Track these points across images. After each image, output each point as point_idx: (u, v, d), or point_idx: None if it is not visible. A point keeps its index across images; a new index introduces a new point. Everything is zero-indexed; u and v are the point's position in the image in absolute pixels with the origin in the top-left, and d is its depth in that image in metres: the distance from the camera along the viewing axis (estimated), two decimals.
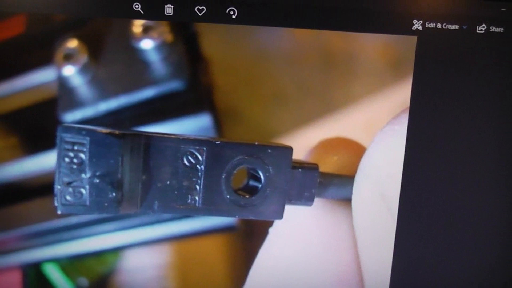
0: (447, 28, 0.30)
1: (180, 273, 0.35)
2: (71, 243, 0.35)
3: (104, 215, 0.33)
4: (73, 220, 0.34)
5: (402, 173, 0.31)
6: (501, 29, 0.30)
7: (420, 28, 0.30)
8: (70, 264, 0.36)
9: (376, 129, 0.30)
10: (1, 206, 0.35)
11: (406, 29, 0.30)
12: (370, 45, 0.30)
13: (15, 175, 0.34)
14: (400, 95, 0.30)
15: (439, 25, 0.30)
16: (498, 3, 0.30)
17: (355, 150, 0.31)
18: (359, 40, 0.30)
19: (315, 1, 0.29)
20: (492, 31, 0.30)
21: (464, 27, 0.30)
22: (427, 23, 0.30)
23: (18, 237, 0.36)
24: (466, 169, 0.31)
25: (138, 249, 0.35)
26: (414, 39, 0.30)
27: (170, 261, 0.35)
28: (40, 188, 0.34)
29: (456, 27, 0.30)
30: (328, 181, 0.30)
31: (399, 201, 0.31)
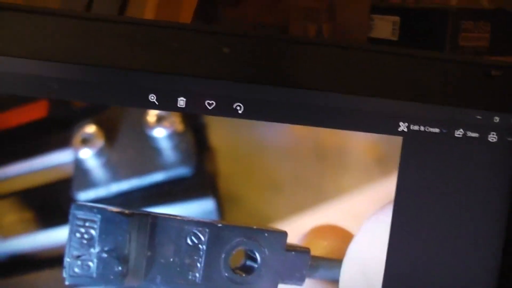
0: (429, 131, 0.30)
1: None
2: None
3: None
4: None
5: (386, 258, 0.31)
6: (477, 135, 0.31)
7: (406, 129, 0.30)
8: None
9: (363, 219, 0.31)
10: (12, 275, 0.34)
11: (393, 130, 0.30)
12: (360, 141, 0.31)
13: (28, 247, 0.34)
14: (386, 189, 0.31)
15: (422, 128, 0.30)
16: (474, 111, 0.30)
17: (344, 237, 0.31)
18: (349, 137, 0.30)
19: (311, 100, 0.30)
20: (469, 136, 0.31)
21: (444, 130, 0.30)
22: (411, 125, 0.30)
23: None
24: (443, 255, 0.31)
25: None
26: (400, 139, 0.30)
27: None
28: (49, 260, 0.34)
29: (437, 130, 0.30)
30: (318, 263, 0.30)
31: (382, 284, 0.31)
